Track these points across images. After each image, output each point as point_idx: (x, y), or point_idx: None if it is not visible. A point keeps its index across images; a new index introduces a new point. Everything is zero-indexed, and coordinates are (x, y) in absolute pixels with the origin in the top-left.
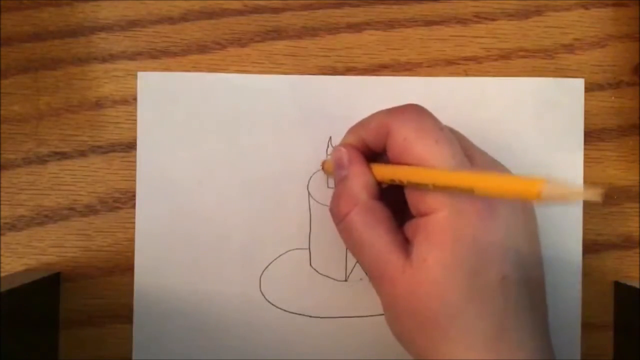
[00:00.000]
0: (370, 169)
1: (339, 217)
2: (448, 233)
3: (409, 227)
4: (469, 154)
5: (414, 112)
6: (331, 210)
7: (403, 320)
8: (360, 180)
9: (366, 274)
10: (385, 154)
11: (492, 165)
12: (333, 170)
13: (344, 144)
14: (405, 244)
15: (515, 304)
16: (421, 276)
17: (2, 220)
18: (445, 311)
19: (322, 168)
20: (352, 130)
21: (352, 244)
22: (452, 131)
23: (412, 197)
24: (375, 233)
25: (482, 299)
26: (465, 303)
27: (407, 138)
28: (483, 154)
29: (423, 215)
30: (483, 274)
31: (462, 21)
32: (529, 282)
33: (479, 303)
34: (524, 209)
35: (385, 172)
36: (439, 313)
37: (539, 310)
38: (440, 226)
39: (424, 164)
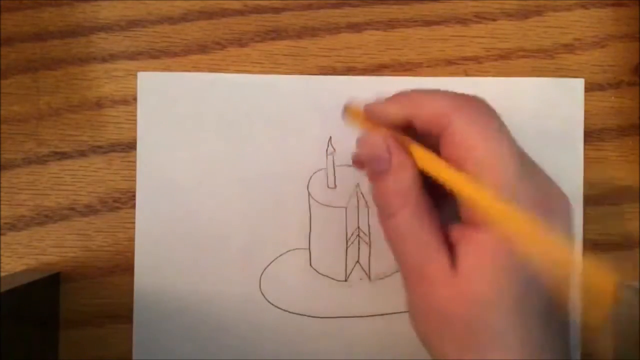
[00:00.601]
0: (412, 157)
1: (387, 214)
2: (499, 255)
3: (456, 230)
4: (527, 168)
5: (481, 109)
6: (378, 204)
7: (434, 323)
8: (408, 173)
9: (400, 267)
10: (420, 133)
11: (549, 187)
12: (367, 159)
13: (379, 125)
14: (450, 246)
15: (549, 335)
16: (464, 289)
17: (2, 220)
18: (485, 331)
19: (344, 112)
20: (398, 101)
21: (397, 240)
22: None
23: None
24: (424, 233)
25: (525, 327)
26: (506, 328)
27: (470, 138)
28: (540, 171)
29: (473, 223)
30: (528, 302)
31: (462, 21)
32: (557, 309)
33: (520, 331)
34: None
35: (432, 167)
36: (479, 331)
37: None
38: (491, 245)
39: (484, 170)
